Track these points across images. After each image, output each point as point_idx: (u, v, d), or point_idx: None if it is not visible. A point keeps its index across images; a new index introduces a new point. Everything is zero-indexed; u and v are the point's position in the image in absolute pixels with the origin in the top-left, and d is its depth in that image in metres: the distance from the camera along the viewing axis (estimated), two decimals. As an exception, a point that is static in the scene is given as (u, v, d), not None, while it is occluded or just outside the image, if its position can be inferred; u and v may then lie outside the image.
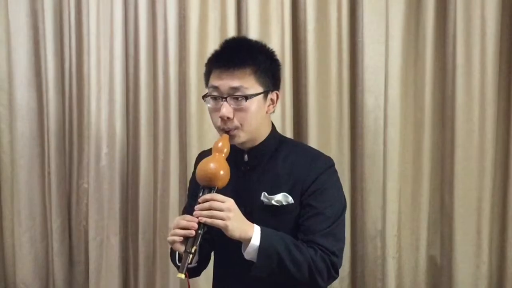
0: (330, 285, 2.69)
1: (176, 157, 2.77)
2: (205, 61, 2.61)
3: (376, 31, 2.63)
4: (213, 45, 2.69)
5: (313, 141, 2.65)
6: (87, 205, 2.87)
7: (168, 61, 2.76)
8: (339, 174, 2.60)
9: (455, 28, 2.57)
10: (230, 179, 1.59)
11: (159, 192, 2.83)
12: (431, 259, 2.74)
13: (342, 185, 2.62)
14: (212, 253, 1.83)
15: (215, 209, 1.49)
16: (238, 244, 1.56)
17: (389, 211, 2.63)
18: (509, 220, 2.65)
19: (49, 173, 2.86)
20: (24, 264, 2.86)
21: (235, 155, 1.68)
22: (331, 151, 2.66)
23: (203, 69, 2.63)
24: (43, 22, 2.79)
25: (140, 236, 2.83)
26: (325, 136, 2.67)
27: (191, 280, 1.63)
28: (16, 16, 2.78)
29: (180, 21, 2.75)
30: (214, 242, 1.75)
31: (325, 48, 2.65)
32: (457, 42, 2.57)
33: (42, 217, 2.89)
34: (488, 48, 2.54)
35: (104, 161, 2.78)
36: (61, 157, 2.86)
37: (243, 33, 2.69)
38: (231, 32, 2.66)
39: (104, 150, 2.78)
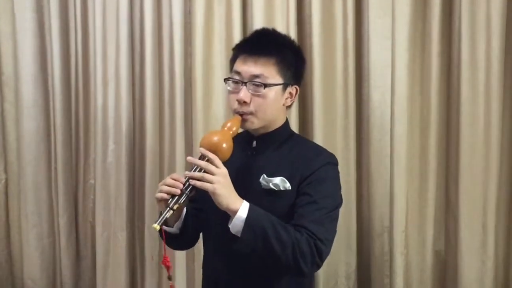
0: (335, 282, 2.73)
1: (182, 153, 2.78)
2: (211, 56, 2.70)
3: (382, 26, 2.62)
4: (218, 40, 2.70)
5: (318, 137, 2.65)
6: (93, 201, 2.88)
7: (173, 56, 2.76)
8: (345, 170, 2.66)
9: (461, 22, 2.56)
10: (235, 162, 1.64)
11: (165, 188, 2.84)
12: (437, 255, 2.74)
13: (348, 181, 2.66)
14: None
15: (209, 172, 1.52)
16: (225, 219, 1.57)
17: (397, 207, 2.63)
18: (515, 215, 2.65)
19: (55, 169, 2.86)
20: (31, 260, 2.88)
21: (245, 139, 1.74)
22: (337, 147, 2.66)
23: (208, 65, 2.71)
24: (49, 18, 2.79)
25: (147, 231, 2.83)
26: (330, 131, 2.67)
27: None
28: (22, 12, 2.77)
29: (185, 16, 2.74)
30: (201, 219, 1.79)
31: (330, 42, 2.65)
32: (463, 36, 2.56)
33: (49, 213, 2.89)
34: (493, 43, 2.53)
35: (110, 157, 2.78)
36: (68, 153, 2.87)
37: (248, 28, 2.69)
38: (237, 27, 2.66)
39: (111, 146, 2.78)
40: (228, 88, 1.69)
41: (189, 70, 2.75)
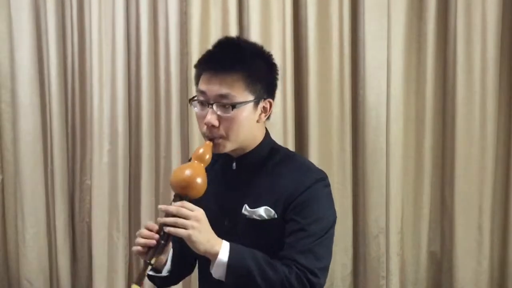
0: (331, 284, 2.73)
1: (177, 153, 2.78)
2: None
3: (377, 27, 2.63)
4: (214, 41, 2.68)
5: (314, 139, 2.65)
6: (90, 201, 2.88)
7: (169, 58, 2.77)
8: (341, 172, 2.66)
9: (456, 23, 2.58)
10: (217, 188, 1.52)
11: (161, 189, 2.85)
12: (432, 255, 2.75)
13: (344, 182, 2.66)
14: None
15: (181, 217, 1.37)
16: (208, 260, 1.43)
17: (393, 208, 2.63)
18: (511, 215, 2.66)
19: (52, 170, 2.86)
20: (28, 260, 2.87)
21: (224, 161, 1.60)
22: (333, 149, 2.66)
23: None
24: (46, 19, 2.79)
25: (143, 232, 2.83)
26: (326, 133, 2.67)
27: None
28: (18, 13, 2.77)
29: (181, 18, 2.75)
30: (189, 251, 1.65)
31: (326, 44, 2.65)
32: (458, 37, 2.57)
33: (45, 214, 2.89)
34: (488, 44, 2.54)
35: (106, 158, 2.79)
36: (64, 154, 2.87)
37: (245, 30, 2.70)
38: (233, 29, 2.67)
39: (107, 147, 2.78)
40: (195, 109, 1.51)
41: (185, 70, 2.76)
